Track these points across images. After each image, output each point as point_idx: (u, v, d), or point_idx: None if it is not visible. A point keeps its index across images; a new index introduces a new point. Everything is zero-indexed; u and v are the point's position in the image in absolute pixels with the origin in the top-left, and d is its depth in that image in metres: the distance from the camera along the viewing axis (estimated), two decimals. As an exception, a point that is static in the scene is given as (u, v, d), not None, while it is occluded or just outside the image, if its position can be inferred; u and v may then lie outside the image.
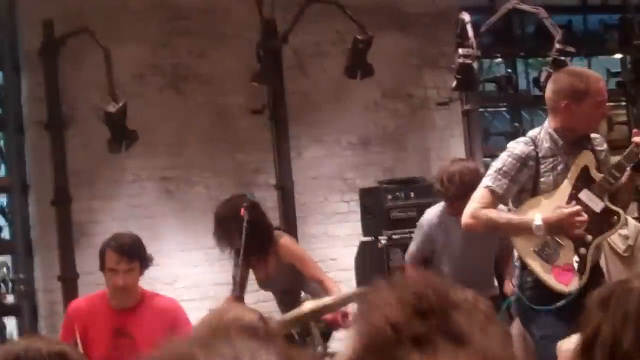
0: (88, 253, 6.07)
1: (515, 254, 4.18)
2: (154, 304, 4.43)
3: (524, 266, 4.10)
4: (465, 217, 4.16)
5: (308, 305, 4.17)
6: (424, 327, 1.31)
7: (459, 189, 4.89)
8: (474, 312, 1.37)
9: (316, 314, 4.20)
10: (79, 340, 4.03)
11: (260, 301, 5.57)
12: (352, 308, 5.01)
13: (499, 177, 4.08)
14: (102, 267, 4.33)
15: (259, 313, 2.49)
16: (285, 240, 5.29)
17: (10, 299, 6.13)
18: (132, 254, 4.26)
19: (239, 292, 5.20)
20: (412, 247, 5.31)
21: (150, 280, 5.49)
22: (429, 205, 5.38)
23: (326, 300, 4.43)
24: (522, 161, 4.09)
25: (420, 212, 5.39)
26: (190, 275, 6.42)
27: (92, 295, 4.56)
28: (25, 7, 6.31)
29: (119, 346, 4.28)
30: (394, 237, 5.90)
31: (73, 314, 4.32)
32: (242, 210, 4.89)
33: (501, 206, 4.26)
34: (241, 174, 6.65)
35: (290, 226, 6.49)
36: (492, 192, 4.08)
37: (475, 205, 4.11)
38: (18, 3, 6.32)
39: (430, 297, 1.35)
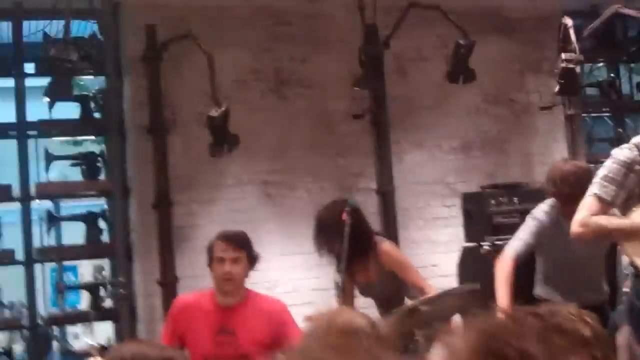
0: (188, 257, 6.09)
1: (625, 260, 4.01)
2: (260, 303, 4.39)
3: (637, 273, 3.91)
4: (575, 226, 4.01)
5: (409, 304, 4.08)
6: None
7: (573, 189, 4.70)
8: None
9: (419, 317, 4.09)
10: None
11: (361, 307, 5.46)
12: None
13: (605, 183, 3.93)
14: (210, 262, 4.33)
15: (369, 317, 2.37)
16: (386, 246, 5.16)
17: (108, 302, 6.14)
18: (239, 242, 4.29)
19: (343, 298, 5.11)
20: (518, 241, 5.08)
21: (250, 285, 5.43)
22: (532, 210, 5.18)
23: (426, 298, 4.31)
24: (628, 167, 3.92)
25: (524, 218, 5.20)
26: (289, 280, 6.34)
27: (198, 292, 4.55)
28: (129, 13, 6.36)
29: (222, 343, 4.26)
30: (497, 242, 5.70)
31: (178, 309, 4.32)
32: (344, 215, 4.79)
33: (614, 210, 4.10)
34: (342, 179, 6.55)
35: (391, 231, 6.37)
36: (600, 199, 3.92)
37: (584, 213, 3.97)
38: (122, 9, 6.37)
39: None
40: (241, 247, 4.31)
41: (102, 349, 4.07)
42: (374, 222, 5.54)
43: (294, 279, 6.35)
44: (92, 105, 6.30)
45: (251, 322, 4.29)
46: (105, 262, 6.41)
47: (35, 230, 6.12)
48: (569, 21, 6.14)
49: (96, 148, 6.46)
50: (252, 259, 4.35)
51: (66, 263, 6.59)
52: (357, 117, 6.53)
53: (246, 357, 4.26)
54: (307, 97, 6.60)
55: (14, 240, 5.97)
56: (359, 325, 2.31)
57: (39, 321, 5.96)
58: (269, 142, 6.45)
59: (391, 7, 6.40)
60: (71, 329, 6.33)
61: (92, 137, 6.52)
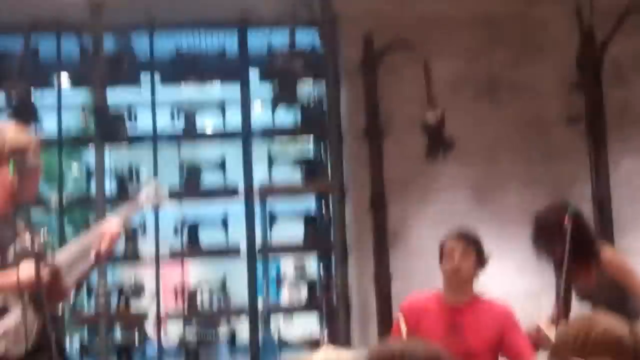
0: (401, 257, 6.22)
1: None
2: (487, 305, 4.47)
3: None
4: None
5: None
6: None
7: None
8: None
9: None
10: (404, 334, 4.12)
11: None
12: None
13: None
14: (441, 259, 4.45)
15: (628, 327, 2.33)
16: (609, 252, 5.05)
17: (323, 298, 6.35)
18: (469, 238, 4.45)
19: (562, 304, 5.05)
20: None
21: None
22: None
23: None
24: None
25: None
26: (501, 284, 6.30)
27: (426, 292, 4.64)
28: (347, 23, 6.56)
29: (451, 343, 4.30)
30: None
31: (407, 310, 4.41)
32: (566, 218, 4.74)
33: None
34: (555, 185, 6.44)
35: (607, 240, 6.21)
36: None
37: None
38: (340, 19, 6.59)
39: None
40: (471, 244, 4.40)
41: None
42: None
43: (506, 284, 6.30)
44: (311, 110, 6.53)
45: (479, 323, 4.34)
46: (318, 259, 6.62)
47: (258, 226, 6.42)
48: None
49: (314, 151, 6.69)
50: (481, 258, 4.41)
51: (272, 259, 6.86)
52: (572, 123, 6.42)
53: (474, 356, 4.31)
54: (519, 102, 6.55)
55: (235, 235, 6.29)
56: (620, 334, 2.26)
57: (259, 311, 6.27)
58: (481, 148, 6.46)
59: (608, 12, 6.26)
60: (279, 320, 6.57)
61: (311, 141, 6.76)
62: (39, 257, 3.43)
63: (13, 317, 3.51)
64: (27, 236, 3.59)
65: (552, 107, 6.52)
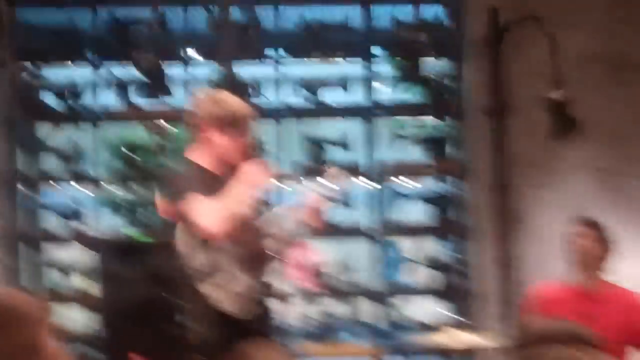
0: (522, 239, 6.16)
1: None
2: (620, 294, 4.57)
3: None
4: None
5: None
6: None
7: None
8: None
9: None
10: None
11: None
12: None
13: None
14: (566, 246, 4.61)
15: None
16: None
17: (447, 279, 6.37)
18: (590, 223, 4.62)
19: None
20: None
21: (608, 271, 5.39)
22: None
23: None
24: None
25: None
26: (629, 271, 6.19)
27: (555, 282, 4.68)
28: (472, -4, 6.44)
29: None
30: None
31: (540, 296, 4.53)
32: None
33: None
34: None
35: None
36: None
37: None
38: (464, -7, 6.46)
39: None
40: (593, 227, 4.56)
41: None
42: None
43: (629, 267, 6.19)
44: (435, 87, 6.46)
45: (611, 310, 4.36)
46: (442, 241, 6.61)
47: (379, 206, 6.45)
48: None
49: (440, 130, 6.63)
50: (608, 245, 4.50)
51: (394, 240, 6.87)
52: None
53: (605, 342, 4.33)
54: (651, 82, 6.32)
55: (359, 215, 6.33)
56: None
57: (384, 292, 6.35)
58: (608, 129, 6.27)
59: None
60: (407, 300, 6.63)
61: (434, 119, 6.69)
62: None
63: (229, 275, 3.81)
64: None
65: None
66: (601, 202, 6.25)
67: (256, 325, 3.92)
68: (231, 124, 3.89)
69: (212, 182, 3.85)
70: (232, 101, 3.99)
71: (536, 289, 4.75)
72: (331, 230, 5.92)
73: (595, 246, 4.54)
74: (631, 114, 6.30)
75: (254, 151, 4.05)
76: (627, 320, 4.42)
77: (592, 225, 4.64)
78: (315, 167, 6.30)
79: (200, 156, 3.96)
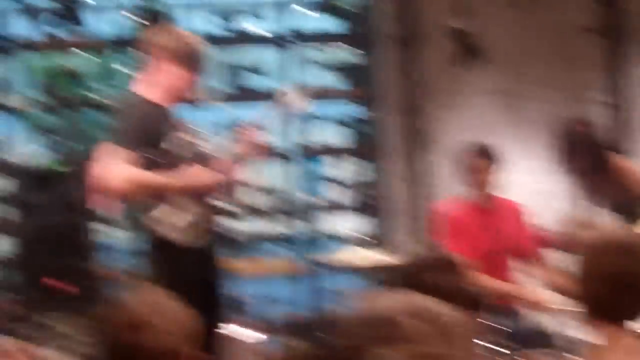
0: (430, 158, 6.43)
1: None
2: (507, 205, 4.83)
3: None
4: None
5: None
6: None
7: None
8: None
9: None
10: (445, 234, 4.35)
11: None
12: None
13: None
14: (461, 171, 4.72)
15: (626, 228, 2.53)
16: (623, 161, 5.28)
17: (360, 197, 6.60)
18: (489, 155, 4.73)
19: (580, 206, 5.31)
20: None
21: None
22: None
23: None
24: None
25: None
26: (524, 184, 6.52)
27: (454, 199, 4.91)
28: None
29: (487, 241, 4.62)
30: None
31: (441, 214, 4.71)
32: (585, 130, 4.94)
33: None
34: (575, 91, 6.56)
35: (621, 142, 6.39)
36: None
37: None
38: None
39: None
40: (491, 159, 4.64)
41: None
42: (607, 134, 5.57)
43: (529, 184, 6.53)
44: (349, 17, 6.59)
45: (505, 221, 4.64)
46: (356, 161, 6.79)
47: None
48: None
49: (351, 57, 6.78)
50: (499, 165, 4.65)
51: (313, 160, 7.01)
52: (594, 32, 6.49)
53: (507, 252, 4.63)
54: (546, 11, 6.57)
55: (279, 137, 6.43)
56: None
57: (302, 209, 6.54)
58: (509, 54, 6.54)
59: None
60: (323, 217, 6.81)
61: (348, 47, 6.84)
62: (203, 156, 3.84)
63: (176, 206, 3.78)
64: (186, 133, 3.92)
65: (577, 15, 6.54)
66: (502, 122, 6.57)
67: (206, 252, 3.95)
68: (188, 58, 3.83)
69: (158, 115, 3.82)
70: (189, 36, 3.94)
71: (440, 206, 4.99)
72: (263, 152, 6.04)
73: (489, 173, 4.73)
74: (530, 39, 6.57)
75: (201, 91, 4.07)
76: (518, 225, 4.71)
77: (485, 156, 4.75)
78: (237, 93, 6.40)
79: (148, 88, 3.87)
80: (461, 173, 4.71)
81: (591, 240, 2.50)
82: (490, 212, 4.71)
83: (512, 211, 4.77)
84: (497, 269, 4.47)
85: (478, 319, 2.75)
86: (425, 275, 2.51)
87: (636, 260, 2.32)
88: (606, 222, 4.65)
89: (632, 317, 2.35)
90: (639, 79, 6.66)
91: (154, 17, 6.41)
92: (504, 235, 4.66)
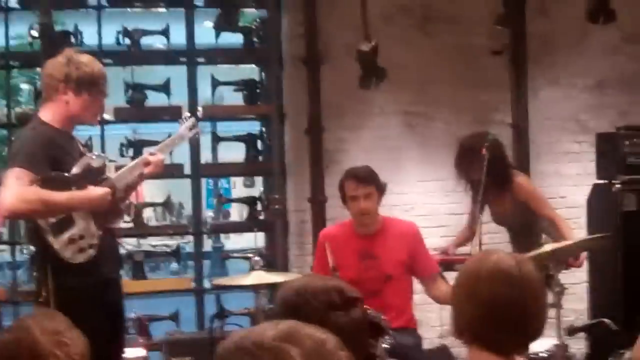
0: (336, 178, 6.25)
1: None
2: (395, 227, 4.59)
3: None
4: None
5: (548, 246, 4.17)
6: None
7: None
8: None
9: (556, 255, 4.19)
10: (330, 259, 4.20)
11: (490, 232, 5.59)
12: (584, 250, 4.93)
13: None
14: (344, 199, 4.54)
15: (516, 258, 2.40)
16: (522, 179, 5.26)
17: (262, 215, 6.44)
18: (367, 179, 4.46)
19: (473, 224, 5.26)
20: None
21: (390, 207, 5.64)
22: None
23: (566, 243, 4.41)
24: None
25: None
26: (426, 204, 6.49)
27: (340, 223, 4.77)
28: (289, -49, 6.47)
29: (367, 268, 4.47)
30: (628, 182, 5.66)
31: (324, 239, 4.50)
32: (484, 147, 4.88)
33: None
34: (480, 112, 6.56)
35: (523, 163, 6.41)
36: None
37: None
38: (282, -52, 6.48)
39: None
40: (371, 183, 4.46)
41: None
42: (508, 154, 5.56)
43: (430, 203, 6.49)
44: (254, 36, 6.47)
45: (391, 246, 4.49)
46: (262, 180, 6.66)
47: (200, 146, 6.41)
48: None
49: (256, 75, 6.67)
50: (381, 190, 4.51)
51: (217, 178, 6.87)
52: (497, 54, 6.51)
53: (389, 278, 4.47)
54: (450, 33, 6.58)
55: (181, 156, 6.28)
56: (507, 266, 2.33)
57: (204, 229, 6.34)
58: (413, 75, 6.51)
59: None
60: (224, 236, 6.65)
61: (253, 65, 6.73)
62: (103, 177, 3.80)
63: (77, 227, 3.71)
64: (88, 154, 3.89)
65: (480, 38, 6.56)
66: (407, 142, 6.52)
67: (109, 272, 3.91)
68: (88, 83, 3.79)
69: (60, 140, 3.78)
70: (88, 62, 3.86)
71: (325, 230, 4.85)
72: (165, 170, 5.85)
73: (370, 199, 4.43)
74: (433, 61, 6.55)
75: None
76: (406, 248, 4.52)
77: (363, 181, 4.45)
78: (140, 112, 6.22)
79: (49, 111, 3.82)
80: (342, 200, 4.54)
81: (474, 265, 2.37)
82: (373, 237, 4.53)
83: (404, 233, 4.56)
84: (378, 294, 4.31)
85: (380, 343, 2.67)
86: (313, 303, 2.32)
87: (515, 291, 2.24)
88: (497, 248, 4.52)
89: (509, 351, 2.26)
90: (540, 100, 6.70)
91: (59, 35, 6.18)
92: (386, 261, 4.48)
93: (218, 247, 6.39)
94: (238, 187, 6.59)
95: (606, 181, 5.79)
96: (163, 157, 4.12)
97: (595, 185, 5.95)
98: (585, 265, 5.59)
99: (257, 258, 4.47)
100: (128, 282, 5.75)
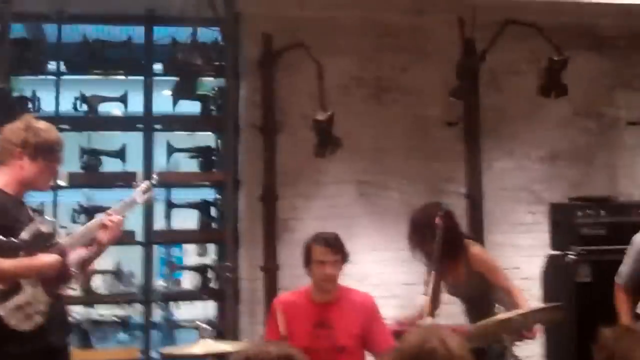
0: (289, 247, 6.03)
1: None
2: (352, 297, 4.36)
3: None
4: None
5: (501, 315, 3.96)
6: None
7: None
8: None
9: (509, 326, 3.94)
10: (282, 327, 3.97)
11: (445, 303, 5.30)
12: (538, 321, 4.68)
13: None
14: (307, 262, 4.28)
15: (442, 335, 2.29)
16: (476, 249, 5.01)
17: (214, 284, 6.12)
18: (337, 247, 4.27)
19: (431, 296, 4.97)
20: (626, 267, 4.81)
21: (343, 277, 5.34)
22: (619, 224, 4.92)
23: (518, 312, 4.15)
24: None
25: (610, 231, 4.95)
26: (379, 274, 6.22)
27: (295, 291, 4.51)
28: (248, 22, 6.34)
29: (321, 337, 4.22)
30: (582, 253, 5.45)
31: (278, 307, 4.27)
32: (437, 218, 4.64)
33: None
34: (434, 182, 6.38)
35: (477, 234, 6.18)
36: None
37: None
38: (242, 19, 6.34)
39: None
40: (339, 251, 4.27)
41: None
42: (462, 224, 5.33)
43: (384, 273, 6.22)
44: (211, 103, 6.27)
45: (346, 316, 4.26)
46: (215, 248, 6.37)
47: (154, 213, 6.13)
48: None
49: (212, 143, 6.43)
50: (345, 260, 4.32)
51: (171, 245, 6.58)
52: (451, 125, 6.36)
53: (342, 349, 4.21)
54: (404, 104, 6.45)
55: (133, 222, 5.98)
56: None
57: (153, 297, 6.00)
58: (367, 145, 6.35)
59: (489, 23, 6.18)
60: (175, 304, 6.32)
61: (210, 133, 6.49)
62: (53, 242, 3.61)
63: (25, 294, 3.51)
64: (37, 220, 3.70)
65: (434, 109, 6.45)
66: (361, 211, 6.29)
67: (57, 340, 3.67)
68: (43, 150, 3.66)
69: (11, 206, 3.61)
70: (47, 129, 3.72)
71: (279, 298, 4.59)
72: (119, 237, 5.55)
73: (336, 267, 4.33)
74: (388, 131, 6.40)
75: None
76: (361, 320, 4.31)
77: (332, 246, 4.28)
78: (95, 177, 5.93)
79: (4, 180, 3.66)
80: (306, 263, 4.29)
81: (401, 345, 2.32)
82: (329, 306, 4.27)
83: (360, 305, 4.32)
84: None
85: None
86: None
87: None
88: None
89: None
90: (494, 171, 6.51)
91: (16, 101, 5.93)
92: (340, 331, 4.21)
93: (168, 317, 6.01)
94: (191, 255, 6.25)
95: (560, 252, 5.57)
96: (121, 218, 3.87)
97: (550, 257, 5.73)
98: (541, 338, 5.31)
99: (205, 326, 4.16)
100: (75, 352, 5.40)
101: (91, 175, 6.02)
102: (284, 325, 4.00)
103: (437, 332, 2.30)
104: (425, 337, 2.26)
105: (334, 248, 4.26)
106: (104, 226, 3.77)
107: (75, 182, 6.01)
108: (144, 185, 4.07)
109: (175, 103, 6.21)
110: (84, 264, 3.81)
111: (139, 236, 6.05)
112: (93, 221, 3.90)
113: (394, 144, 6.38)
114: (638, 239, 4.78)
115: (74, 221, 5.84)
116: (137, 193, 4.03)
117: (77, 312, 5.91)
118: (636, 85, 6.83)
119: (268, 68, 6.24)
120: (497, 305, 4.53)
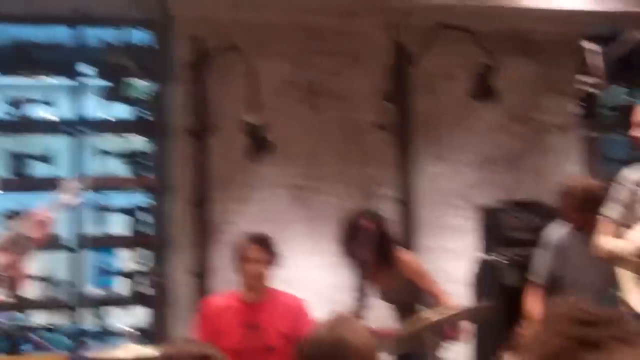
0: (221, 251, 5.92)
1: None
2: (281, 299, 4.37)
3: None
4: (595, 248, 4.04)
5: (426, 317, 3.96)
6: (595, 334, 1.38)
7: (583, 207, 4.49)
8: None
9: (433, 326, 3.94)
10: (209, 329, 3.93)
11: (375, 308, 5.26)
12: (465, 322, 4.68)
13: (613, 204, 3.95)
14: (236, 261, 4.32)
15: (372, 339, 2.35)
16: (407, 255, 5.00)
17: (145, 289, 5.99)
18: (263, 243, 4.30)
19: (361, 301, 4.92)
20: (543, 265, 4.81)
21: (276, 281, 5.26)
22: (545, 227, 4.93)
23: (443, 313, 4.16)
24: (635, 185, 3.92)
25: (538, 234, 4.96)
26: (312, 278, 6.15)
27: (225, 293, 4.50)
28: (181, 25, 6.21)
29: (250, 338, 4.20)
30: (511, 256, 5.47)
31: (207, 308, 4.26)
32: (368, 223, 4.62)
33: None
34: (366, 186, 6.34)
35: (408, 237, 6.17)
36: (610, 219, 3.96)
37: (599, 236, 3.97)
38: (175, 22, 6.22)
39: (593, 312, 1.42)
40: (267, 248, 4.26)
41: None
42: (394, 228, 5.30)
43: (317, 278, 6.16)
44: (143, 107, 6.13)
45: (275, 317, 4.27)
46: (147, 252, 6.21)
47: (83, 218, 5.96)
48: (590, 45, 5.84)
49: (144, 147, 6.28)
50: (274, 259, 4.32)
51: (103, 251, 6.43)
52: (383, 129, 6.33)
53: (271, 349, 4.20)
54: (337, 109, 6.41)
55: (63, 227, 5.82)
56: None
57: (83, 303, 5.84)
58: (300, 149, 6.28)
59: (421, 27, 6.18)
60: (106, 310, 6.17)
61: (141, 137, 6.34)
62: None
63: None
64: None
65: (367, 114, 6.40)
66: (294, 215, 6.22)
67: None
68: None
69: None
70: None
71: (207, 300, 4.54)
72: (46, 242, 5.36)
73: (262, 264, 4.31)
74: (320, 135, 6.36)
75: None
76: (290, 321, 4.29)
77: (258, 243, 4.33)
78: (20, 181, 5.73)
79: None
80: (235, 264, 4.25)
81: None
82: (260, 308, 4.24)
83: (290, 307, 4.31)
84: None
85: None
86: None
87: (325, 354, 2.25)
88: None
89: None
90: (426, 175, 6.50)
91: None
92: (270, 332, 4.20)
93: (99, 323, 5.86)
94: (125, 260, 6.11)
95: (489, 256, 5.57)
96: (52, 216, 3.79)
97: (479, 260, 5.73)
98: (470, 342, 5.30)
99: (133, 332, 4.14)
100: (2, 357, 5.26)
101: (18, 179, 5.82)
102: (212, 325, 3.94)
103: (346, 323, 2.36)
104: (334, 328, 2.31)
105: (261, 246, 4.27)
106: (27, 230, 3.69)
107: (1, 185, 5.80)
108: (72, 187, 4.01)
109: (106, 107, 6.06)
110: (12, 267, 3.70)
111: (69, 241, 5.88)
112: (20, 222, 3.80)
113: (328, 149, 6.33)
114: (550, 234, 4.80)
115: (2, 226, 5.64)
116: (65, 196, 3.97)
117: (5, 317, 5.71)
118: (565, 90, 6.89)
119: (200, 71, 6.13)
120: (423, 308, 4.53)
